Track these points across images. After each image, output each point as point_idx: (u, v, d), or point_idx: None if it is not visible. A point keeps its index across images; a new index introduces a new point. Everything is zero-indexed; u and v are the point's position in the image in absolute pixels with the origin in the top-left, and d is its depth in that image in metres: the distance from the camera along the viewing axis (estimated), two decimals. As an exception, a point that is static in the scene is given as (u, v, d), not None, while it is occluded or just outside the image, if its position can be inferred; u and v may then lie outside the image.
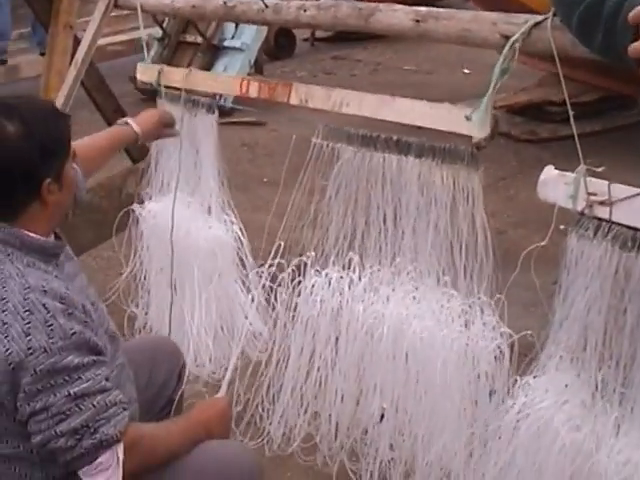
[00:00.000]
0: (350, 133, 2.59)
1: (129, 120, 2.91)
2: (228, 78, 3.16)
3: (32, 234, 2.02)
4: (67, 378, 1.91)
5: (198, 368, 3.43)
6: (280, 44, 9.90)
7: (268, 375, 2.88)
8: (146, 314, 3.69)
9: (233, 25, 7.71)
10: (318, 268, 2.74)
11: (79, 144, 2.56)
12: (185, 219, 3.35)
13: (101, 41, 8.11)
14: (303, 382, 2.83)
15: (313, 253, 2.74)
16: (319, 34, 10.86)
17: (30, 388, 1.89)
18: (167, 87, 3.32)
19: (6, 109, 1.99)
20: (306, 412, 2.88)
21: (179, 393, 2.62)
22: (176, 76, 3.29)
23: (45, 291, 1.93)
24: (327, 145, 2.63)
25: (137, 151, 4.57)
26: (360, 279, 2.68)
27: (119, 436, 1.96)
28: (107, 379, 2.00)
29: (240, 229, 3.30)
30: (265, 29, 7.86)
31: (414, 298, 2.60)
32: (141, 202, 3.54)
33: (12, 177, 1.96)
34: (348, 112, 2.61)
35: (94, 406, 1.93)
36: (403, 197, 2.55)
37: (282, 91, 2.81)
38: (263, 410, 2.93)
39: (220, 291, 3.33)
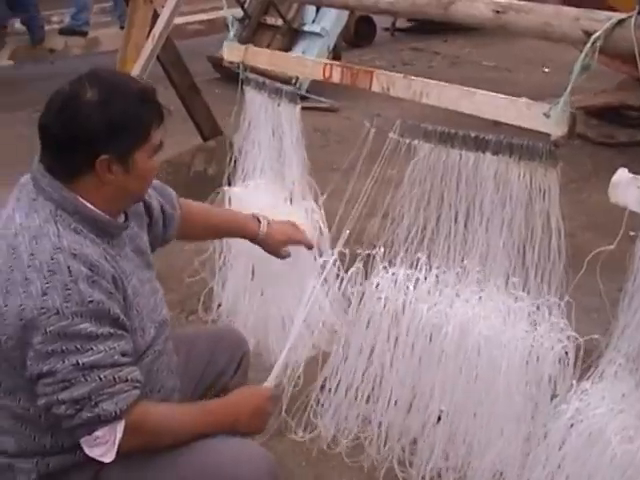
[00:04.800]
0: (427, 129, 2.53)
1: (262, 219, 2.77)
2: (312, 62, 3.10)
3: (88, 204, 1.99)
4: (79, 346, 1.89)
5: (267, 355, 3.38)
6: (360, 32, 9.86)
7: (327, 369, 2.84)
8: (223, 294, 3.64)
9: (314, 9, 7.68)
10: (385, 264, 2.68)
11: (198, 205, 2.61)
12: (266, 206, 3.30)
13: (181, 19, 8.26)
14: (360, 380, 2.78)
15: (382, 249, 2.69)
16: (400, 24, 10.81)
17: (40, 348, 1.87)
18: (247, 70, 3.28)
19: (94, 76, 1.99)
20: (359, 413, 2.84)
21: (237, 381, 2.57)
22: (261, 56, 3.25)
23: (75, 254, 1.91)
24: (404, 141, 2.56)
25: (208, 129, 4.57)
26: (426, 279, 2.62)
27: (119, 414, 1.94)
28: (124, 354, 1.97)
29: (322, 217, 3.24)
30: (345, 15, 7.82)
31: (480, 299, 2.55)
32: (229, 184, 3.50)
33: (74, 139, 1.94)
34: (428, 102, 2.56)
35: (100, 379, 1.91)
36: (477, 195, 2.49)
37: (364, 78, 2.76)
38: (318, 404, 2.89)
39: (296, 279, 3.28)
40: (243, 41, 3.42)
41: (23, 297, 1.87)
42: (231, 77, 3.33)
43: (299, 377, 2.96)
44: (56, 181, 1.98)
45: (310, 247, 2.90)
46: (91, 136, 1.93)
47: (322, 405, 2.89)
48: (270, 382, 2.42)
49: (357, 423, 2.86)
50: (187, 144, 4.76)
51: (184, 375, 2.38)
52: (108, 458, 1.97)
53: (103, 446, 1.97)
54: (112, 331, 1.94)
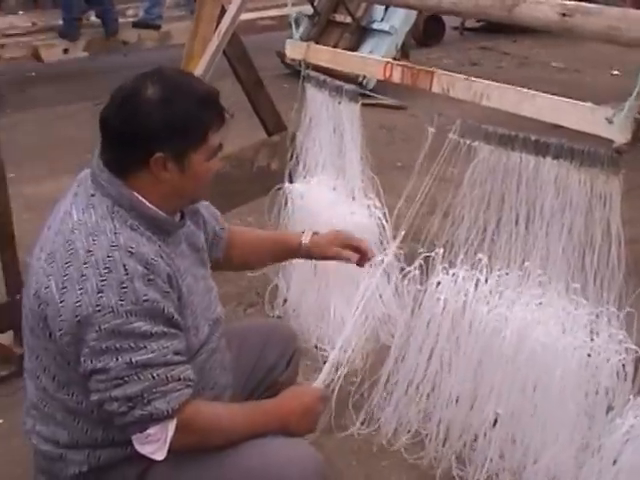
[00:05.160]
0: (488, 131, 2.53)
1: (307, 230, 2.65)
2: (373, 61, 3.10)
3: (145, 201, 2.01)
4: (132, 345, 1.90)
5: (327, 350, 3.40)
6: (429, 31, 9.84)
7: (386, 365, 2.86)
8: (287, 290, 3.69)
9: (382, 8, 7.67)
10: (446, 265, 2.69)
11: (242, 228, 2.62)
12: (329, 202, 3.33)
13: (252, 15, 8.32)
14: (420, 379, 2.80)
15: (442, 249, 2.70)
16: (469, 23, 10.74)
17: (94, 345, 1.89)
18: (310, 67, 3.31)
19: (157, 73, 2.01)
20: (419, 410, 2.85)
21: (288, 376, 2.59)
22: (323, 54, 3.27)
23: (131, 252, 1.92)
24: (464, 142, 2.57)
25: (272, 124, 4.60)
26: (487, 280, 2.62)
27: (171, 413, 1.95)
28: (177, 353, 1.98)
29: (384, 214, 3.26)
30: (414, 14, 7.81)
31: (540, 303, 2.53)
32: (291, 180, 3.52)
33: (132, 134, 1.96)
34: (488, 105, 2.56)
35: (153, 378, 1.92)
36: (537, 199, 2.48)
37: (424, 78, 2.77)
38: (378, 399, 2.92)
39: (359, 275, 3.30)
40: (312, 38, 3.44)
41: (79, 293, 1.88)
42: (300, 73, 3.36)
43: (357, 373, 2.98)
44: (114, 177, 2.00)
45: (361, 249, 2.62)
46: (149, 133, 1.95)
47: (383, 400, 2.90)
48: (320, 381, 2.39)
49: (417, 419, 2.87)
50: (252, 139, 4.79)
51: (236, 369, 2.38)
52: (159, 456, 2.00)
53: (154, 444, 1.99)
54: (166, 330, 1.95)
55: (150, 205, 2.01)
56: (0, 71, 8.64)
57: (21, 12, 9.07)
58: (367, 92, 3.11)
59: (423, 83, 2.77)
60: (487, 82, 2.59)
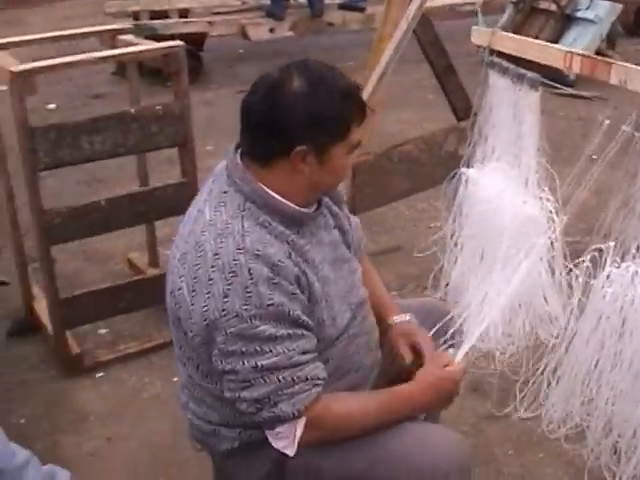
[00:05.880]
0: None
1: (405, 315, 2.44)
2: (554, 49, 3.06)
3: (278, 196, 2.02)
4: (258, 348, 1.92)
5: (485, 341, 3.41)
6: (640, 20, 9.49)
7: (552, 356, 2.84)
8: (452, 273, 3.70)
9: (589, -4, 7.49)
10: (617, 259, 2.63)
11: (369, 268, 2.49)
12: (501, 190, 3.33)
13: (456, 0, 8.27)
14: (586, 371, 2.76)
15: (613, 242, 2.64)
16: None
17: (222, 348, 1.94)
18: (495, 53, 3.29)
19: (304, 67, 2.01)
20: (582, 402, 2.81)
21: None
22: (507, 42, 3.26)
23: (257, 255, 1.93)
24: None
25: (462, 110, 4.61)
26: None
27: (297, 414, 1.98)
28: (305, 352, 1.99)
29: (555, 208, 3.19)
30: (620, 4, 7.58)
31: None
32: (468, 165, 3.54)
33: (274, 126, 1.96)
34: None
35: (279, 380, 1.94)
36: None
37: (602, 69, 2.71)
38: (544, 388, 2.90)
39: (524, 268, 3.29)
40: (515, 25, 3.44)
41: (206, 297, 1.93)
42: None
43: (521, 361, 2.98)
44: (246, 172, 2.03)
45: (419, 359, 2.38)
46: (292, 126, 1.95)
47: (546, 390, 2.89)
48: (457, 363, 2.31)
49: (580, 412, 2.83)
50: (442, 123, 4.82)
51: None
52: (289, 452, 2.04)
53: (284, 440, 2.03)
54: (291, 332, 1.96)
55: (283, 200, 2.02)
56: (209, 48, 9.01)
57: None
58: (545, 81, 3.08)
59: (601, 74, 2.72)
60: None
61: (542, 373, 2.89)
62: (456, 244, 3.54)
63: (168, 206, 3.70)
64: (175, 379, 3.39)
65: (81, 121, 3.43)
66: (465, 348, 2.34)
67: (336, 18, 8.74)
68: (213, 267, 1.93)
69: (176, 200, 3.63)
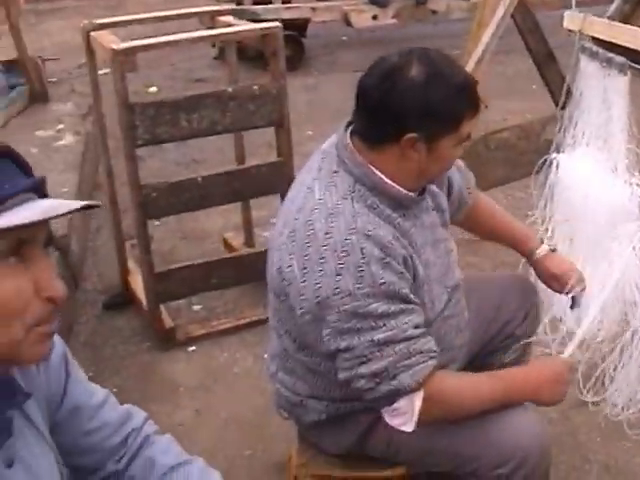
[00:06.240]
0: None
1: (547, 243, 2.63)
2: (642, 34, 3.03)
3: (386, 179, 2.03)
4: (372, 324, 1.94)
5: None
6: None
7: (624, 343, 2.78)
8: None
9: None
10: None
11: (486, 201, 2.60)
12: (589, 176, 3.29)
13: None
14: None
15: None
16: None
17: (335, 326, 1.96)
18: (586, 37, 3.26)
19: (424, 55, 2.01)
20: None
21: (525, 329, 2.58)
22: (598, 26, 3.22)
23: (368, 236, 1.95)
24: None
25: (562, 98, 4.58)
26: None
27: (416, 385, 1.99)
28: (417, 326, 2.01)
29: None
30: None
31: None
32: (558, 151, 3.51)
33: (388, 110, 1.98)
34: None
35: (395, 353, 1.96)
36: None
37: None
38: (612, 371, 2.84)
39: (614, 255, 3.25)
40: (624, 15, 3.40)
41: (318, 275, 1.95)
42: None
43: (612, 351, 2.94)
44: (357, 154, 2.05)
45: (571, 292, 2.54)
46: (406, 113, 1.96)
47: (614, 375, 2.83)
48: (568, 353, 2.33)
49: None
50: (546, 114, 4.79)
51: (473, 322, 2.40)
52: (409, 427, 2.05)
53: (403, 416, 2.05)
54: (403, 307, 1.99)
55: (392, 183, 2.04)
56: (313, 34, 9.07)
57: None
58: (635, 65, 3.02)
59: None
60: None
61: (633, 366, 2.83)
62: (547, 229, 3.51)
63: (263, 185, 3.77)
64: (266, 355, 3.44)
65: (179, 99, 3.52)
66: (575, 342, 2.34)
67: (440, 6, 8.66)
68: (325, 246, 1.96)
69: (271, 179, 3.72)
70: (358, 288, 1.92)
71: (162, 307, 3.86)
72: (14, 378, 1.40)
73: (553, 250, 2.59)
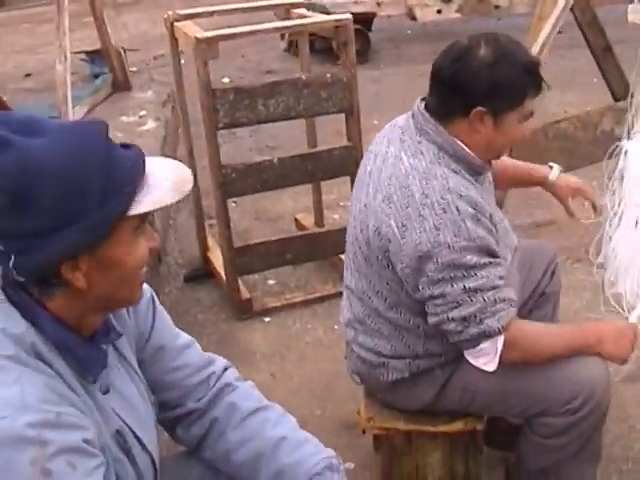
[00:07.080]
0: None
1: (556, 168, 2.86)
2: None
3: (465, 147, 2.24)
4: (465, 273, 2.15)
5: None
6: None
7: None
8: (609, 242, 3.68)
9: None
10: None
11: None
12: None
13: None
14: None
15: None
16: None
17: (432, 275, 2.16)
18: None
19: (492, 38, 2.21)
20: None
21: (553, 288, 2.81)
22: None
23: (461, 195, 2.16)
24: None
25: (620, 91, 4.68)
26: None
27: (501, 330, 2.20)
28: (501, 278, 2.20)
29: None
30: None
31: None
32: (623, 139, 3.59)
33: (459, 87, 2.19)
34: None
35: (484, 300, 2.17)
36: None
37: None
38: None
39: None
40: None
41: (418, 232, 2.15)
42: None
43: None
44: (438, 125, 2.25)
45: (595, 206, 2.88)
46: (474, 89, 2.17)
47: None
48: (634, 317, 2.55)
49: None
50: (601, 104, 4.88)
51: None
52: (491, 367, 2.26)
53: (486, 357, 2.25)
54: (491, 260, 2.19)
55: (469, 151, 2.25)
56: (379, 28, 9.22)
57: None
58: None
59: None
60: None
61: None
62: (615, 214, 3.64)
63: (334, 168, 4.01)
64: (336, 327, 3.71)
65: (257, 85, 3.77)
66: (638, 310, 2.56)
67: (503, 1, 8.73)
68: (422, 205, 2.16)
69: (342, 162, 3.97)
70: (456, 242, 2.13)
71: (240, 280, 4.09)
72: (109, 318, 1.65)
73: (562, 171, 2.83)
